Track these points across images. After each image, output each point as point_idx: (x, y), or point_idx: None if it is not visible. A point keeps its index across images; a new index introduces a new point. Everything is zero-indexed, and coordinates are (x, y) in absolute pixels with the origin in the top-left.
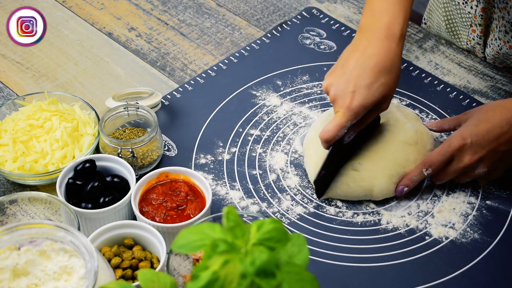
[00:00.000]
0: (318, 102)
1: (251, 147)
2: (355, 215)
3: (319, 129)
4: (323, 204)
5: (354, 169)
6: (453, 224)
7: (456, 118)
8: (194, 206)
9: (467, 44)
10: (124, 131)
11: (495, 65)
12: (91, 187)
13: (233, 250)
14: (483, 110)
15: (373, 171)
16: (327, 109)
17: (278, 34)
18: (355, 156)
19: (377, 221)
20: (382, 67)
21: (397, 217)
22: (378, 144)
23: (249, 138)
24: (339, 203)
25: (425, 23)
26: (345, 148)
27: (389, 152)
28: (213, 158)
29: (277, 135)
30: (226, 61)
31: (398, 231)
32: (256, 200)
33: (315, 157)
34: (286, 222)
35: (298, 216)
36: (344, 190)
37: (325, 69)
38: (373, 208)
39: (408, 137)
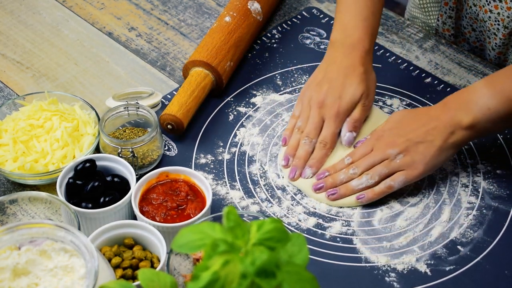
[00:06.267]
0: None
1: (251, 147)
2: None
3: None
4: (324, 204)
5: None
6: (453, 224)
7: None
8: (194, 206)
9: (438, 20)
10: (124, 131)
11: (469, 44)
12: (91, 187)
13: (233, 250)
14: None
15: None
16: None
17: (278, 34)
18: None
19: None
20: (359, 73)
21: None
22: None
23: (250, 138)
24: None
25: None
26: None
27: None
28: (213, 158)
29: (277, 135)
30: None
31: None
32: (257, 200)
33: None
34: (286, 222)
35: (298, 216)
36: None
37: None
38: (373, 208)
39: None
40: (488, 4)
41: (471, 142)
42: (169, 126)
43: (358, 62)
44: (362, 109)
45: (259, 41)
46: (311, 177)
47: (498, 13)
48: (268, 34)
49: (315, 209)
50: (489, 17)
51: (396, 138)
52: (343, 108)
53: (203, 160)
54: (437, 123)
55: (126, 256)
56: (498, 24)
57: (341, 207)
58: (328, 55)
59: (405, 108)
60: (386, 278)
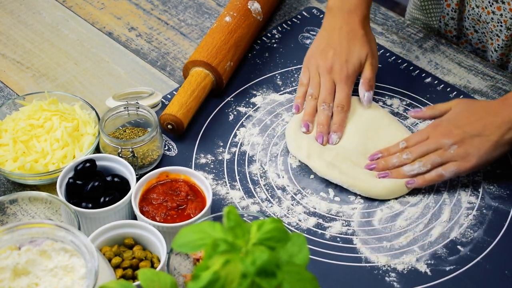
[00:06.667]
0: None
1: (251, 147)
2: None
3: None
4: (324, 204)
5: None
6: (453, 224)
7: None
8: (194, 206)
9: (440, 21)
10: (125, 131)
11: (471, 45)
12: (91, 186)
13: (233, 250)
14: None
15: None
16: None
17: (278, 34)
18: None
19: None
20: (360, 36)
21: None
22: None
23: (250, 138)
24: (338, 204)
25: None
26: None
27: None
28: (213, 158)
29: (277, 135)
30: None
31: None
32: (257, 200)
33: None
34: (286, 222)
35: (298, 216)
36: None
37: None
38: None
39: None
40: (490, 6)
41: None
42: (169, 126)
43: (357, 26)
44: (371, 68)
45: (259, 41)
46: (338, 142)
47: (501, 15)
48: (268, 34)
49: (315, 209)
50: (492, 18)
51: (453, 129)
52: (351, 70)
53: (203, 160)
54: (495, 118)
55: (126, 256)
56: (501, 26)
57: (341, 207)
58: (327, 22)
59: (406, 108)
60: (386, 278)
